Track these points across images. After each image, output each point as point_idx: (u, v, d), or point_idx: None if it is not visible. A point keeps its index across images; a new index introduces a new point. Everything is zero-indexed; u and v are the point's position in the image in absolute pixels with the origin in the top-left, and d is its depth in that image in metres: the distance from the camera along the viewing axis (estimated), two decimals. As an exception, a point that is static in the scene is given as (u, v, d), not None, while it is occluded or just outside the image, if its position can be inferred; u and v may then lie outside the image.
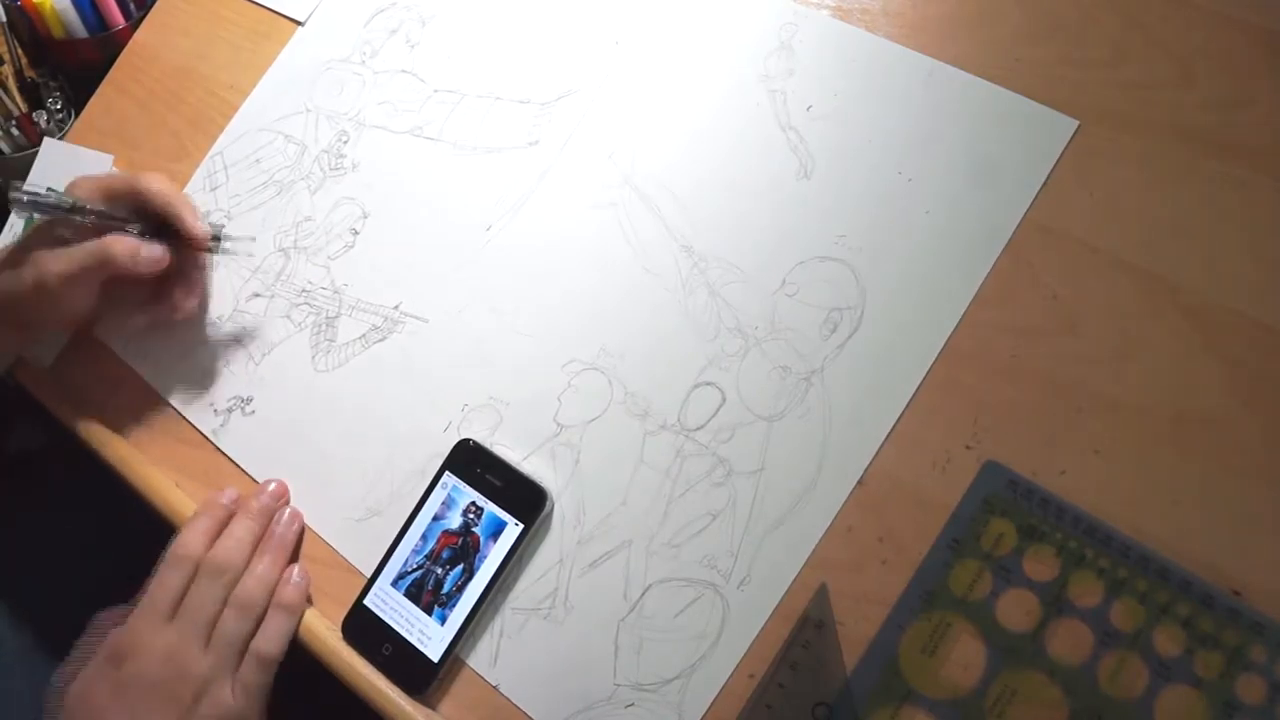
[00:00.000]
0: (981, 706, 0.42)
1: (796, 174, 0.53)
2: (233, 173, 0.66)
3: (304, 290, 0.60)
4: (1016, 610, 0.43)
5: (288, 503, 0.56)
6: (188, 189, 0.67)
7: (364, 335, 0.58)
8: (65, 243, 0.55)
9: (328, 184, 0.63)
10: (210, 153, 0.67)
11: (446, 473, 0.52)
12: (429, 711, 0.48)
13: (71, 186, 0.57)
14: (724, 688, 0.45)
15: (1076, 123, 0.49)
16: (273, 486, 0.56)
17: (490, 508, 0.51)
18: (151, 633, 0.50)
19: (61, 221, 0.56)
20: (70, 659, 0.54)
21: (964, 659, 0.43)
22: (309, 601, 0.53)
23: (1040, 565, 0.43)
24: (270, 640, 0.51)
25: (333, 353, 0.58)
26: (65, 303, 0.56)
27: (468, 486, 0.51)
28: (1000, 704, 0.42)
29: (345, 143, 0.64)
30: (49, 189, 0.54)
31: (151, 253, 0.56)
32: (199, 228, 0.58)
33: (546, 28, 0.62)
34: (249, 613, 0.51)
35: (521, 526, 0.50)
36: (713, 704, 0.45)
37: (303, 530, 0.55)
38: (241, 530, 0.53)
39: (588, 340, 0.53)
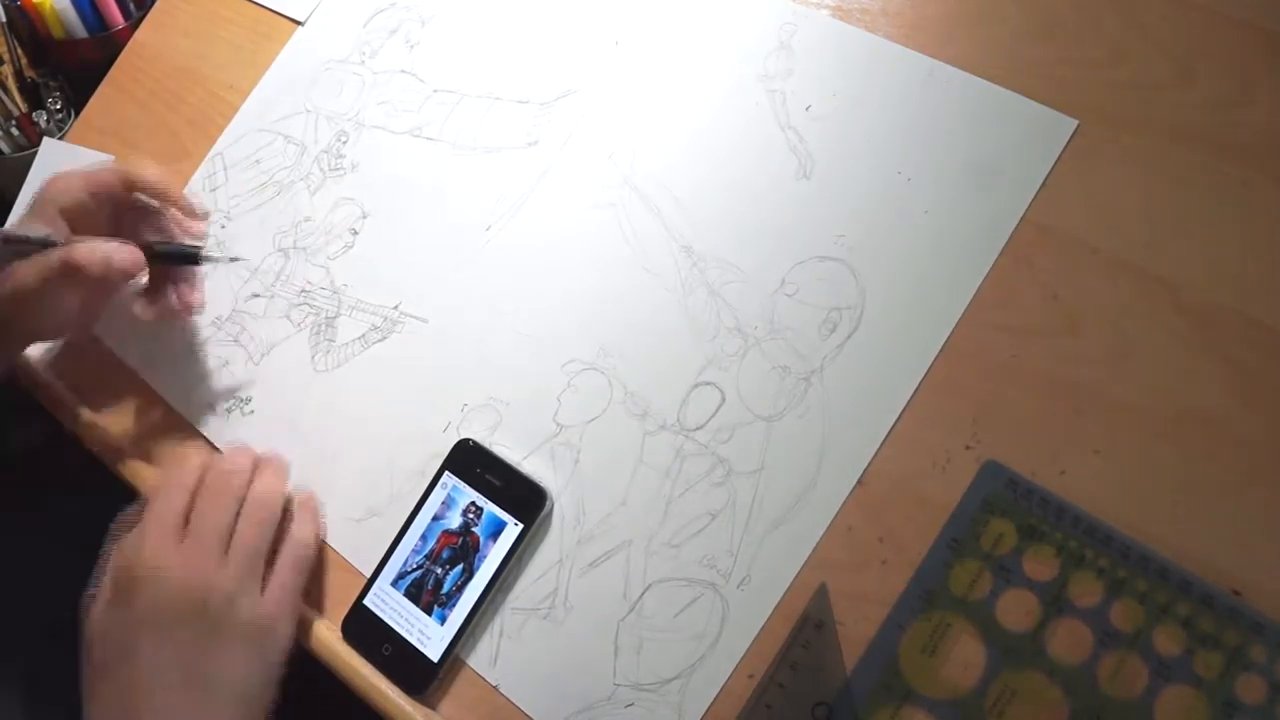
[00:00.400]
0: (981, 706, 0.42)
1: (796, 174, 0.53)
2: (232, 173, 0.66)
3: (303, 290, 0.60)
4: (1016, 610, 0.43)
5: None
6: (187, 190, 0.67)
7: (363, 335, 0.58)
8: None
9: (327, 184, 0.63)
10: (210, 153, 0.67)
11: (446, 473, 0.52)
12: (429, 711, 0.48)
13: (51, 185, 0.55)
14: (724, 688, 0.45)
15: (1076, 122, 0.49)
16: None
17: (490, 508, 0.51)
18: (164, 554, 0.47)
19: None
20: (96, 580, 0.51)
21: (964, 659, 0.43)
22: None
23: (1040, 565, 0.43)
24: (304, 530, 0.51)
25: (332, 353, 0.58)
26: (45, 313, 0.54)
27: (467, 486, 0.51)
28: (1000, 704, 0.42)
29: (345, 143, 0.64)
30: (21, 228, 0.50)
31: (123, 260, 0.53)
32: (193, 203, 0.59)
33: (546, 28, 0.62)
34: (266, 520, 0.50)
35: (521, 526, 0.50)
36: (712, 704, 0.45)
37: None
38: (237, 454, 0.52)
39: (587, 340, 0.53)
